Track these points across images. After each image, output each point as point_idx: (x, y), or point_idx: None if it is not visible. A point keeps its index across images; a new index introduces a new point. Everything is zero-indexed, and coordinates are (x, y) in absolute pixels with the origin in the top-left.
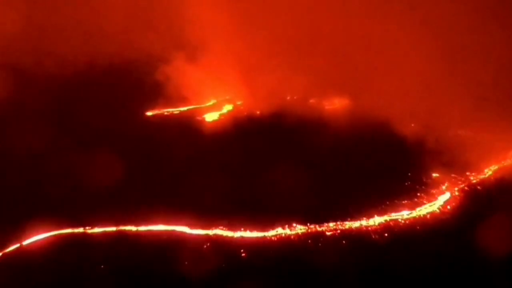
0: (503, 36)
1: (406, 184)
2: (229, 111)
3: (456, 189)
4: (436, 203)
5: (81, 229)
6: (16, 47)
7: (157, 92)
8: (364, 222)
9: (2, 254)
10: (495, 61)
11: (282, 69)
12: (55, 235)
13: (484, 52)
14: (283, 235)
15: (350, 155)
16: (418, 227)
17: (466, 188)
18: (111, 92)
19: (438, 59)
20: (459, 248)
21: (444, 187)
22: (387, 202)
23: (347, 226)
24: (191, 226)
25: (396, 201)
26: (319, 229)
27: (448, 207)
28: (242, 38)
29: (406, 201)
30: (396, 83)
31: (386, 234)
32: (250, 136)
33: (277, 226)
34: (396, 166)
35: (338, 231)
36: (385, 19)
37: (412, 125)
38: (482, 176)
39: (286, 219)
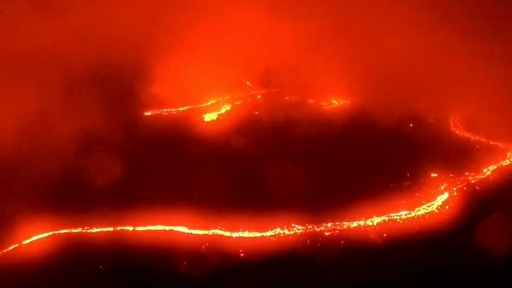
0: (502, 37)
1: (405, 184)
2: (227, 111)
3: (454, 189)
4: (435, 204)
5: (79, 229)
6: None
7: (155, 92)
8: (362, 222)
9: (1, 254)
10: (494, 62)
11: (281, 68)
12: (53, 235)
13: (483, 53)
14: (282, 235)
15: (349, 155)
16: (416, 227)
17: (464, 188)
18: (108, 92)
19: (436, 58)
20: (458, 249)
21: (442, 188)
22: (386, 202)
23: (345, 226)
24: (189, 226)
25: (394, 201)
26: (317, 229)
27: (447, 207)
28: (241, 37)
29: (404, 201)
30: (395, 83)
31: (384, 234)
32: (249, 137)
33: (276, 227)
34: (395, 166)
35: (337, 231)
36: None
37: (411, 125)
38: (480, 177)
39: (284, 220)
